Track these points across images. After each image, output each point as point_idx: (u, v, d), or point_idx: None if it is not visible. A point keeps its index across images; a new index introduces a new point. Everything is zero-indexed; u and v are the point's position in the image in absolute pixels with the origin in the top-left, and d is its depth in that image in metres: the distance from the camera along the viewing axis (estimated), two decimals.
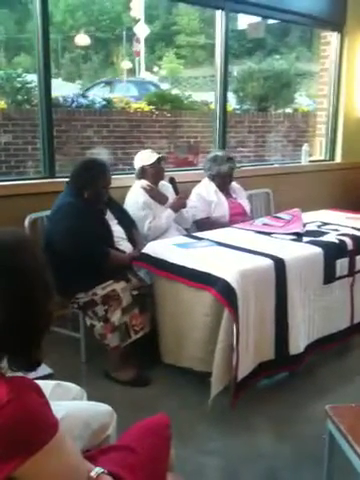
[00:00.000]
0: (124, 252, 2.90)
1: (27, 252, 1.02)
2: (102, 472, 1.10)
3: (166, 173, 3.50)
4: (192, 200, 3.60)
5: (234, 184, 3.80)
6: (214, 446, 2.20)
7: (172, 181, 3.43)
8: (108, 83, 9.08)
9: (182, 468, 1.64)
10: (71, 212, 2.73)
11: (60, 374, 1.79)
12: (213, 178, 3.67)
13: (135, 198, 3.27)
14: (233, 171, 3.68)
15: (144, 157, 3.37)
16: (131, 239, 3.00)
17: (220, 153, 3.76)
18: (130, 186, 3.37)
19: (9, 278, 0.95)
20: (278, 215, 3.43)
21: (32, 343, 1.02)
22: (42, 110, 3.33)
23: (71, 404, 1.60)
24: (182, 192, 3.47)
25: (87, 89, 6.31)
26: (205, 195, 3.62)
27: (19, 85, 5.21)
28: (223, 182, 3.68)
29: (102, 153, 5.06)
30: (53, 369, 2.36)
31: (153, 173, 3.34)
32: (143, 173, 3.36)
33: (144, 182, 3.35)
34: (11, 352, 1.01)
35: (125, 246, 2.94)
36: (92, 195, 2.80)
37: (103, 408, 1.61)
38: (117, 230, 2.95)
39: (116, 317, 2.61)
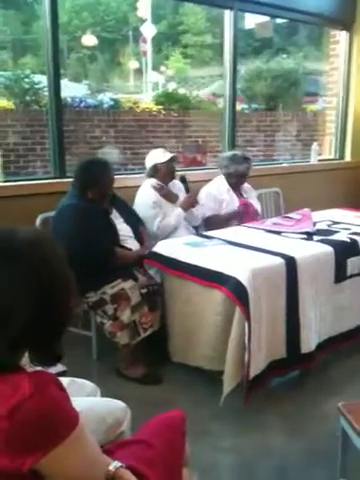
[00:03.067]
0: (131, 250, 2.91)
1: (48, 248, 1.03)
2: (120, 466, 1.11)
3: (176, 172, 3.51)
4: (201, 198, 3.61)
5: (245, 184, 3.81)
6: (227, 443, 2.21)
7: (183, 179, 3.44)
8: None
9: (195, 465, 1.65)
10: (73, 213, 2.74)
11: (73, 372, 1.79)
12: (228, 176, 3.68)
13: (145, 197, 3.28)
14: (248, 171, 3.69)
15: (157, 155, 3.39)
16: (138, 237, 3.02)
17: (238, 152, 3.78)
18: (139, 186, 3.38)
19: (30, 273, 0.97)
20: (288, 215, 3.43)
21: (53, 338, 1.03)
22: (52, 110, 3.34)
23: (86, 400, 1.62)
24: (192, 191, 3.48)
25: None
26: (216, 194, 3.63)
27: (27, 86, 5.23)
28: (237, 181, 3.69)
29: (112, 152, 5.08)
30: (65, 367, 2.38)
31: (165, 171, 3.35)
32: (155, 171, 3.37)
33: (154, 181, 3.36)
34: (32, 347, 1.02)
35: (132, 244, 2.95)
36: (96, 195, 2.81)
37: (117, 404, 1.63)
38: (123, 229, 2.96)
39: (125, 315, 2.63)
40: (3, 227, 1.04)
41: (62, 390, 0.99)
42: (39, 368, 1.05)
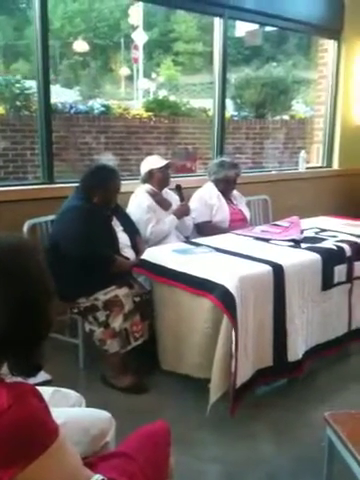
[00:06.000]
0: (128, 259, 2.90)
1: (29, 256, 1.02)
2: (102, 479, 1.09)
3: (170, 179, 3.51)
4: (193, 203, 3.61)
5: (235, 191, 3.82)
6: (213, 453, 2.19)
7: (178, 188, 3.44)
8: None
9: (181, 475, 1.63)
10: (78, 216, 2.73)
11: (58, 380, 1.78)
12: (218, 182, 3.68)
13: (139, 201, 3.28)
14: (237, 177, 3.70)
15: (153, 161, 3.40)
16: (135, 246, 3.01)
17: (227, 159, 3.80)
18: (128, 192, 3.37)
19: (11, 281, 0.95)
20: (277, 223, 3.44)
21: (33, 348, 1.02)
22: (41, 116, 3.33)
23: (70, 410, 1.60)
24: (186, 199, 3.48)
25: None
26: (207, 198, 3.64)
27: (18, 91, 5.23)
28: (227, 187, 3.70)
29: (109, 159, 5.06)
30: (51, 375, 2.35)
31: (160, 177, 3.36)
32: (150, 177, 3.37)
33: (148, 186, 3.36)
34: (12, 357, 1.00)
35: (129, 253, 2.95)
36: (101, 199, 2.82)
37: (102, 414, 1.61)
38: (122, 237, 2.96)
39: (117, 323, 2.61)
40: None
41: (42, 402, 0.98)
42: (19, 378, 1.04)
